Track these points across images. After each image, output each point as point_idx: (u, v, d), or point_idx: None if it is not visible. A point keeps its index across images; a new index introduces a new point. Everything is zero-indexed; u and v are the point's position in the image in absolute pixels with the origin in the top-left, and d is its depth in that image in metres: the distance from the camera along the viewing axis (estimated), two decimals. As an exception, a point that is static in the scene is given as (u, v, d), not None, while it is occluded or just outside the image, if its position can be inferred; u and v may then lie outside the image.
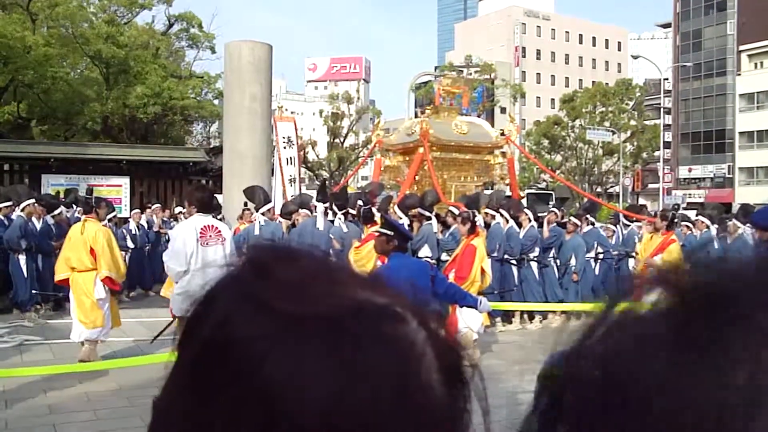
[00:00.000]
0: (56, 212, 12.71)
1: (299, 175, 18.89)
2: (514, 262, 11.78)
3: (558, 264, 12.37)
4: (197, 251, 6.56)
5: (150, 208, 16.10)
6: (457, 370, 0.55)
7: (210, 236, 6.66)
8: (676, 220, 12.05)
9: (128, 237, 14.30)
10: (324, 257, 0.57)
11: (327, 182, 14.25)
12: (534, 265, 11.95)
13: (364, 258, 9.39)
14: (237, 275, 0.55)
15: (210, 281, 0.56)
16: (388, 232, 5.59)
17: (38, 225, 12.23)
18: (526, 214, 11.99)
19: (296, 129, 19.20)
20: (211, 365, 0.51)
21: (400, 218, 11.16)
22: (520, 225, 11.97)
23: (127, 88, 31.17)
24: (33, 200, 12.35)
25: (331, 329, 0.50)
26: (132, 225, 14.73)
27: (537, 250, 11.97)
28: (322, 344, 0.49)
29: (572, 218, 12.71)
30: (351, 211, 11.59)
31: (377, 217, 10.88)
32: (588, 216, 13.19)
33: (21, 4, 29.54)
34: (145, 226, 15.03)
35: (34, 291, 11.88)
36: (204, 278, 0.57)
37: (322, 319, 0.50)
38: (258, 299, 0.52)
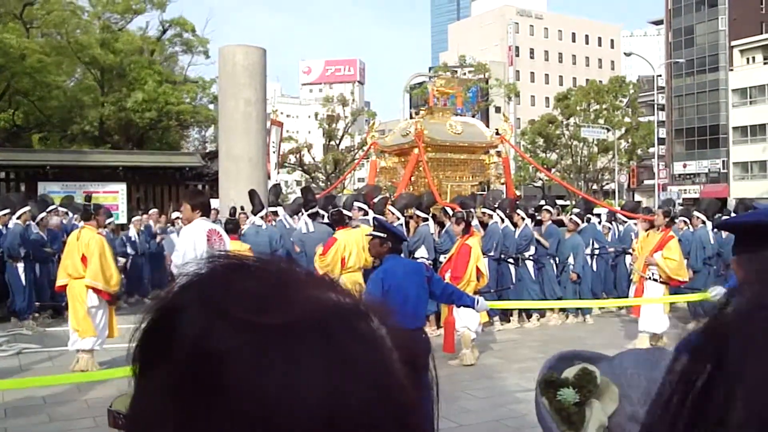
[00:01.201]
0: (39, 217, 12.61)
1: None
2: (510, 261, 11.81)
3: (557, 262, 12.39)
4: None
5: (147, 213, 16.07)
6: (414, 362, 0.57)
7: (214, 240, 6.66)
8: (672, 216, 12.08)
9: (128, 244, 14.29)
10: (285, 264, 0.58)
11: (280, 184, 14.27)
12: (530, 264, 11.97)
13: (331, 264, 9.34)
14: (202, 289, 0.55)
15: (166, 293, 0.56)
16: (381, 235, 5.57)
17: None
18: (519, 214, 12.03)
19: (281, 134, 19.25)
20: (197, 382, 0.50)
21: (398, 218, 11.19)
22: (515, 224, 12.01)
23: (123, 94, 31.15)
24: (28, 207, 12.34)
25: (316, 332, 0.51)
26: (132, 232, 14.67)
27: (533, 248, 12.00)
28: (312, 347, 0.51)
29: (573, 217, 12.72)
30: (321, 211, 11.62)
31: (369, 217, 10.93)
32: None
33: (15, 13, 29.51)
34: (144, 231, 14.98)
35: (37, 303, 11.90)
36: None
37: (305, 323, 0.51)
38: (234, 312, 0.51)
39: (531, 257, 11.96)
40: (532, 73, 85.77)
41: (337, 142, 49.20)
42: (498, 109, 58.31)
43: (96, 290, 8.42)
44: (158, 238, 15.04)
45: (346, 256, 9.31)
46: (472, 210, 11.29)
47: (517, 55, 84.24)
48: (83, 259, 8.43)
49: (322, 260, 9.47)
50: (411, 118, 19.42)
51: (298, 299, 0.53)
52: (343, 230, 9.64)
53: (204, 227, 6.63)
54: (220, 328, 0.51)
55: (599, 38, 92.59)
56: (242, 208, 13.66)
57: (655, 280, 9.33)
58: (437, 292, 5.68)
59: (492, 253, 11.47)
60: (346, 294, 0.57)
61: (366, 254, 9.39)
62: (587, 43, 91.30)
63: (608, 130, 51.68)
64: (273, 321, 0.51)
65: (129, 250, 14.22)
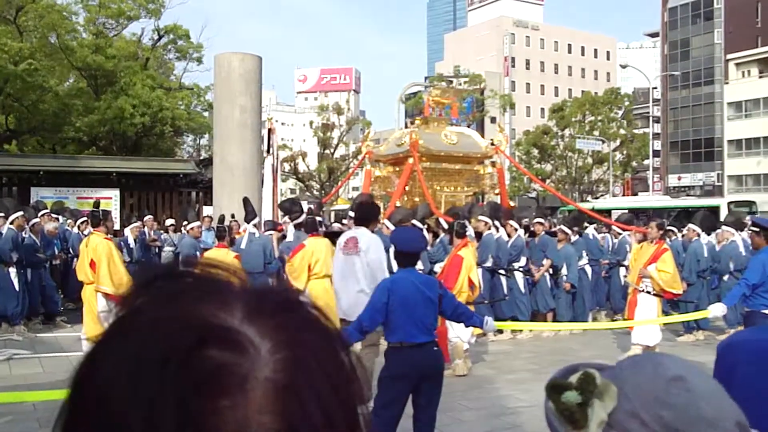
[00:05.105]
0: (31, 222, 12.58)
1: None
2: (502, 272, 11.77)
3: (551, 273, 12.35)
4: None
5: (141, 220, 15.95)
6: (293, 407, 0.50)
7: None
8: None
9: (125, 250, 14.18)
10: (187, 278, 0.56)
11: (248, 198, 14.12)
12: (519, 275, 11.91)
13: (297, 269, 9.36)
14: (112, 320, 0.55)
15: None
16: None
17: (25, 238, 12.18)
18: (512, 225, 12.02)
19: (275, 141, 19.20)
20: (80, 410, 0.51)
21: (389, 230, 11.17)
22: (509, 235, 12.00)
23: (116, 98, 31.04)
24: (22, 213, 12.29)
25: (158, 364, 0.49)
26: (130, 238, 14.51)
27: (523, 259, 11.97)
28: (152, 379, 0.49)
29: (562, 227, 12.72)
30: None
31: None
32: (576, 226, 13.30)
33: (9, 17, 29.46)
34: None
35: (42, 311, 11.96)
36: None
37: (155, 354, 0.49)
38: (103, 340, 0.53)
39: (521, 269, 11.92)
40: (528, 83, 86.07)
41: (332, 150, 49.18)
42: (493, 120, 58.40)
43: (106, 294, 8.49)
44: (154, 244, 14.98)
45: (312, 262, 9.35)
46: (465, 222, 11.27)
47: (513, 66, 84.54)
48: (92, 264, 8.49)
49: (289, 265, 9.51)
50: (406, 127, 19.47)
51: (162, 325, 0.51)
52: (313, 237, 9.67)
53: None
54: (90, 360, 0.52)
55: (595, 50, 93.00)
56: (233, 216, 13.61)
57: (648, 292, 9.30)
58: (448, 311, 5.40)
59: (486, 264, 11.45)
60: (235, 314, 0.52)
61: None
62: (583, 54, 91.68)
63: (603, 141, 51.81)
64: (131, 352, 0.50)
65: (126, 256, 14.11)
